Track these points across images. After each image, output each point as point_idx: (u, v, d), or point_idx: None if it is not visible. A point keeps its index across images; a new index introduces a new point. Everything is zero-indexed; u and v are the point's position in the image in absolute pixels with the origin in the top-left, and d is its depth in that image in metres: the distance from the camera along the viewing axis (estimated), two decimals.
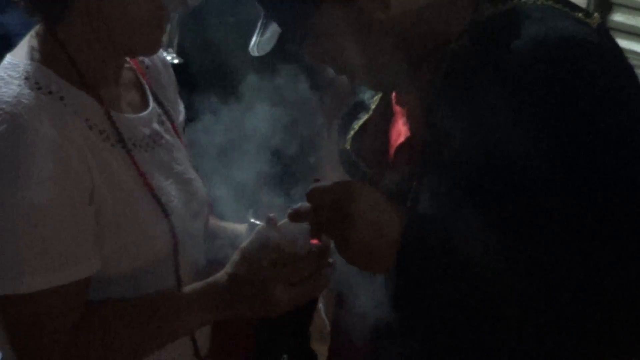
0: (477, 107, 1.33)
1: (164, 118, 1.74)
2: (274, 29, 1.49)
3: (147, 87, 1.74)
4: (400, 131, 1.53)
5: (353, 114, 1.66)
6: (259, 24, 1.51)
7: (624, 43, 3.40)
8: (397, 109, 1.55)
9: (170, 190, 1.67)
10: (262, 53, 1.49)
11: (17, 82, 1.52)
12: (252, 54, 1.51)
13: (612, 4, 3.72)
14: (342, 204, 1.37)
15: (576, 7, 1.41)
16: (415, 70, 1.45)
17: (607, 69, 1.33)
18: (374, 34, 1.40)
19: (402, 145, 1.51)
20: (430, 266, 1.36)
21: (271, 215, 1.59)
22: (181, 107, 1.86)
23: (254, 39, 1.51)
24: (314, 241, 1.53)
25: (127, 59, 1.71)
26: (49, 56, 1.57)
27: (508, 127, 1.30)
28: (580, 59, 1.30)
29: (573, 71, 1.29)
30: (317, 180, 1.44)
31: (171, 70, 1.85)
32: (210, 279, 1.62)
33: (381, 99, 1.61)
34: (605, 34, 1.41)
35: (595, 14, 1.42)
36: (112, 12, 1.54)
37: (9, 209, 1.47)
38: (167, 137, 1.73)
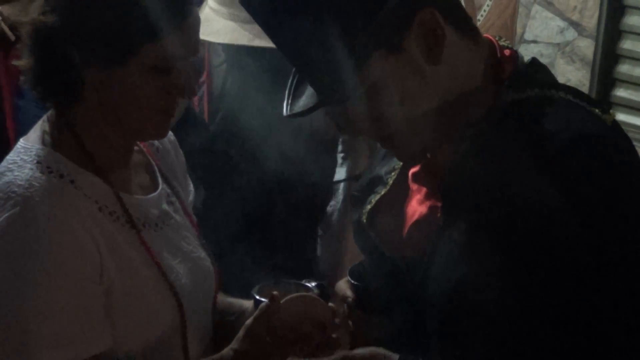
0: (491, 193, 1.36)
1: (173, 198, 1.79)
2: (308, 93, 1.49)
3: (156, 168, 1.79)
4: (415, 209, 1.56)
5: (370, 187, 1.69)
6: (288, 85, 1.52)
7: (625, 117, 3.45)
8: (414, 186, 1.59)
9: (178, 269, 1.70)
10: (297, 115, 1.47)
11: (29, 165, 1.57)
12: (286, 115, 1.49)
13: (615, 80, 3.78)
14: None
15: (593, 102, 1.45)
16: (441, 141, 1.48)
17: (621, 166, 1.36)
18: (417, 94, 1.41)
19: (416, 223, 1.55)
20: None
21: (275, 292, 1.63)
22: (191, 187, 1.91)
23: (285, 100, 1.51)
24: None
25: (137, 142, 1.76)
26: (60, 140, 1.62)
27: (522, 214, 1.32)
28: (594, 156, 1.33)
29: (587, 167, 1.32)
30: None
31: (180, 151, 1.90)
32: (217, 355, 1.65)
33: (398, 175, 1.65)
34: (620, 131, 1.44)
35: (611, 111, 1.45)
36: (121, 98, 1.59)
37: (20, 288, 1.51)
38: (176, 216, 1.77)
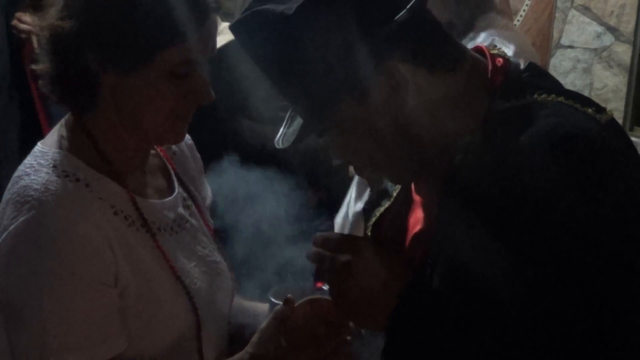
0: (486, 201, 1.36)
1: (189, 202, 1.79)
2: (298, 122, 1.52)
3: (172, 172, 1.80)
4: (417, 220, 1.57)
5: (377, 202, 1.70)
6: (286, 118, 1.55)
7: None
8: (417, 198, 1.59)
9: (193, 273, 1.71)
10: (287, 145, 1.53)
11: (45, 169, 1.59)
12: (277, 146, 1.55)
13: None
14: (344, 255, 1.44)
15: (587, 102, 1.44)
16: (432, 160, 1.49)
17: (612, 165, 1.35)
18: (390, 129, 1.44)
19: (417, 234, 1.55)
20: (422, 336, 1.40)
21: (290, 295, 1.63)
22: (208, 191, 1.91)
23: (280, 131, 1.55)
24: (319, 284, 1.57)
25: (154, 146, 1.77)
26: (76, 144, 1.64)
27: (514, 222, 1.32)
28: (585, 155, 1.32)
29: (577, 166, 1.32)
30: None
31: (197, 154, 1.90)
32: (232, 358, 1.65)
33: (401, 187, 1.65)
34: (616, 129, 1.44)
35: (608, 110, 1.45)
36: (138, 103, 1.60)
37: (35, 290, 1.53)
38: (192, 220, 1.78)
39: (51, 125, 2.48)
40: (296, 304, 1.63)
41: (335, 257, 1.46)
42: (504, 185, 1.34)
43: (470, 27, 2.82)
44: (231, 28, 1.45)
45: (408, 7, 1.40)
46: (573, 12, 4.00)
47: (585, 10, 3.96)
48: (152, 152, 1.76)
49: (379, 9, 1.40)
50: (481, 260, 1.34)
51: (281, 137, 1.53)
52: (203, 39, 1.60)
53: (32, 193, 1.55)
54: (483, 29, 2.80)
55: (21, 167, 1.62)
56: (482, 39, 2.73)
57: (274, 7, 1.40)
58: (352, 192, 3.00)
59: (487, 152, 1.39)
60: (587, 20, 3.97)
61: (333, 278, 1.47)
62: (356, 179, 3.00)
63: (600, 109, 1.44)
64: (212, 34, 1.64)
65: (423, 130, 1.45)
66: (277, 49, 1.41)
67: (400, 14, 1.39)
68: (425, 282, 1.43)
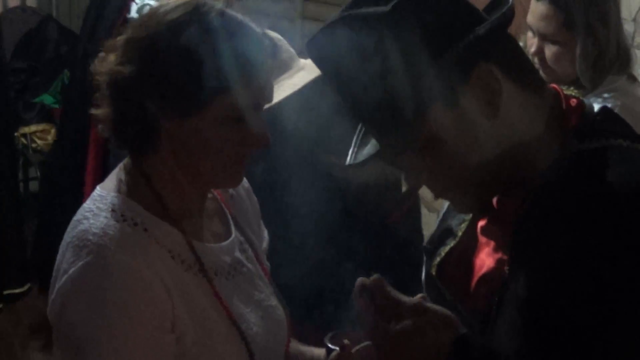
0: (559, 246, 1.34)
1: (245, 246, 1.79)
2: (372, 144, 1.50)
3: (229, 216, 1.80)
4: (483, 262, 1.54)
5: (441, 239, 1.68)
6: (356, 134, 1.53)
7: None
8: (483, 239, 1.57)
9: (250, 318, 1.70)
10: (358, 165, 1.50)
11: (104, 214, 1.60)
12: (348, 164, 1.52)
13: None
14: (400, 323, 1.41)
15: None
16: (501, 199, 1.47)
17: None
18: (475, 144, 1.41)
19: (483, 276, 1.53)
20: None
21: (346, 341, 1.62)
22: (265, 234, 1.91)
23: (350, 150, 1.53)
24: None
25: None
26: (134, 188, 1.65)
27: (589, 269, 1.30)
28: None
29: None
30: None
31: (254, 198, 1.90)
32: None
33: (468, 227, 1.63)
34: None
35: None
36: (195, 147, 1.60)
37: (93, 334, 1.53)
38: (249, 265, 1.77)
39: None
40: (353, 350, 1.62)
41: (387, 327, 1.42)
42: (581, 234, 1.32)
43: (596, 88, 2.77)
44: (317, 37, 1.43)
45: (503, 10, 1.39)
46: None
47: None
48: (210, 195, 1.77)
49: (471, 14, 1.40)
50: (556, 310, 1.32)
51: (352, 157, 1.52)
52: (260, 83, 1.61)
53: (91, 237, 1.57)
54: (608, 92, 2.75)
55: (80, 211, 1.64)
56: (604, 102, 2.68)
57: (366, 10, 1.38)
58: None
59: (563, 196, 1.37)
60: None
61: (382, 344, 1.44)
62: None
63: None
64: (269, 79, 1.65)
65: (505, 151, 1.42)
66: (368, 51, 1.38)
67: (494, 17, 1.39)
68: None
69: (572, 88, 1.53)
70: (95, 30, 3.97)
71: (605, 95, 2.75)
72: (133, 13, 3.92)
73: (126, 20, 3.88)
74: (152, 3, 3.89)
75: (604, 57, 2.74)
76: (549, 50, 2.78)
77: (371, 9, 1.38)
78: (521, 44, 2.81)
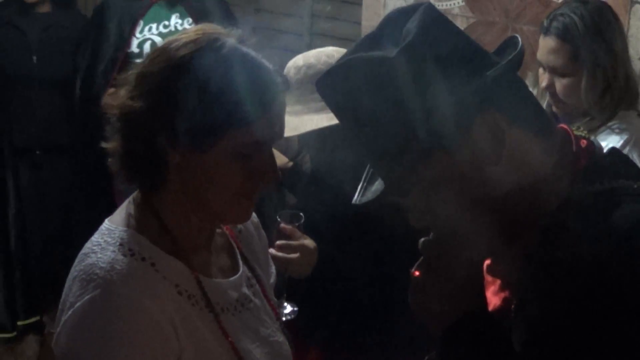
0: (565, 289, 1.33)
1: (253, 281, 1.79)
2: (380, 182, 1.50)
3: (237, 251, 1.80)
4: (490, 300, 1.53)
5: None
6: (364, 174, 1.54)
7: None
8: (488, 278, 1.56)
9: (256, 353, 1.70)
10: (364, 202, 1.51)
11: (112, 248, 1.60)
12: (355, 202, 1.53)
13: None
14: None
15: None
16: (509, 241, 1.46)
17: None
18: (479, 189, 1.40)
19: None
20: None
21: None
22: (272, 269, 1.91)
23: (359, 188, 1.53)
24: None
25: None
26: (143, 223, 1.65)
27: (598, 315, 1.29)
28: None
29: None
30: None
31: (263, 233, 1.90)
32: None
33: None
34: None
35: None
36: (204, 182, 1.60)
37: None
38: (256, 300, 1.77)
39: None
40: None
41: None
42: (588, 277, 1.30)
43: (607, 120, 2.77)
44: (324, 77, 1.43)
45: (510, 57, 1.39)
46: None
47: None
48: (218, 230, 1.77)
49: (480, 57, 1.40)
50: (561, 355, 1.31)
51: (360, 194, 1.52)
52: (270, 120, 1.61)
53: (98, 271, 1.57)
54: (620, 125, 2.75)
55: (88, 245, 1.64)
56: (613, 141, 2.68)
57: (372, 53, 1.39)
58: None
59: (571, 238, 1.36)
60: None
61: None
62: None
63: None
64: (280, 114, 1.65)
65: (510, 195, 1.41)
66: (374, 93, 1.38)
67: (501, 63, 1.38)
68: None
69: (581, 128, 1.53)
70: (93, 65, 3.97)
71: (617, 129, 2.75)
72: (134, 47, 3.94)
73: (128, 55, 3.90)
74: (154, 38, 3.91)
75: (613, 89, 2.75)
76: (559, 84, 2.79)
77: (377, 53, 1.38)
78: (527, 80, 2.82)
